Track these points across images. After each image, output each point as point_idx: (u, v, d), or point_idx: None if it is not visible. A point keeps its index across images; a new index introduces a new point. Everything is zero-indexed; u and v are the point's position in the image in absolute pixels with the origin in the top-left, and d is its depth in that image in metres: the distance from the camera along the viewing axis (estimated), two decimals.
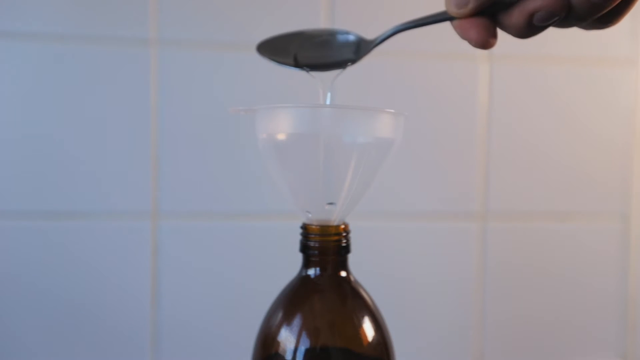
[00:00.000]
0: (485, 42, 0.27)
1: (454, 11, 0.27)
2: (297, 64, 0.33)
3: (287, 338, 0.33)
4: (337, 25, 0.53)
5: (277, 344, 0.33)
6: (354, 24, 0.54)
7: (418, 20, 0.29)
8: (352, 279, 0.35)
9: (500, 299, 0.57)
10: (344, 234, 0.34)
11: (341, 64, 0.32)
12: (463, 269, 0.56)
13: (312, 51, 0.33)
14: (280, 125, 0.32)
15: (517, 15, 0.26)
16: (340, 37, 0.32)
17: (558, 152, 0.57)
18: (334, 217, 0.34)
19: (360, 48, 0.32)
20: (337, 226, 0.34)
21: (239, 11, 0.52)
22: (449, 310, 0.56)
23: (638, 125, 0.57)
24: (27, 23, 0.51)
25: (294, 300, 0.34)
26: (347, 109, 0.32)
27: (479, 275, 0.56)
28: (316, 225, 0.34)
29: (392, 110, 0.32)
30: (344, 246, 0.34)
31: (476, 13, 0.27)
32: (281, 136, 0.32)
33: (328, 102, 0.35)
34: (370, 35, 0.32)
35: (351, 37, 0.32)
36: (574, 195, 0.57)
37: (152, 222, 0.53)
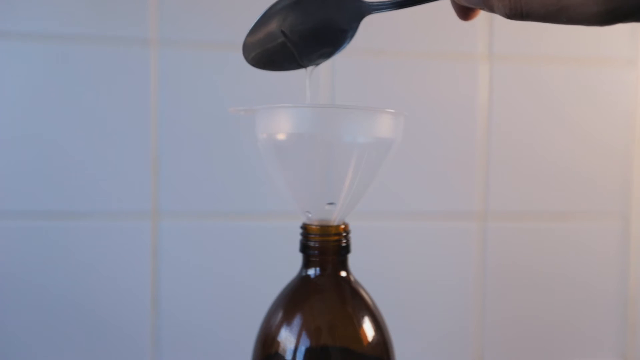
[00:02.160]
0: (465, 19, 0.28)
1: (462, 1, 0.26)
2: (299, 62, 0.31)
3: (287, 338, 0.33)
4: None
5: (277, 343, 0.33)
6: None
7: None
8: (352, 279, 0.35)
9: (500, 299, 0.57)
10: (344, 234, 0.34)
11: (337, 43, 0.30)
12: (463, 269, 0.56)
13: (305, 40, 0.30)
14: (280, 125, 0.32)
15: None
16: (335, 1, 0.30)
17: (558, 152, 0.57)
18: (334, 217, 0.34)
19: (348, 13, 0.30)
20: (337, 226, 0.34)
21: (239, 11, 0.52)
22: (449, 310, 0.56)
23: (638, 126, 0.57)
24: (27, 23, 0.51)
25: (294, 300, 0.34)
26: (347, 109, 0.32)
27: (478, 276, 0.56)
28: (316, 225, 0.34)
29: (392, 110, 0.32)
30: (344, 246, 0.34)
31: None
32: (281, 136, 0.32)
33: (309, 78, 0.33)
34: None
35: None
36: (574, 195, 0.57)
37: (152, 222, 0.53)
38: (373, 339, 0.34)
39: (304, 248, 0.34)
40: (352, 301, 0.35)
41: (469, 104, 0.55)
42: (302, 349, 0.32)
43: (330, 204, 0.33)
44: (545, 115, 0.56)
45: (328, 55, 0.31)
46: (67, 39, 0.51)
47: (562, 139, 0.57)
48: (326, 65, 0.53)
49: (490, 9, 0.25)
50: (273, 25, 0.31)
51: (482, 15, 0.53)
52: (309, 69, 0.33)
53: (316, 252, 0.34)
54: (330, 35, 0.31)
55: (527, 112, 0.56)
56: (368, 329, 0.34)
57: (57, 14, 0.51)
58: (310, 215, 0.34)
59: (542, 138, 0.56)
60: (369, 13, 0.30)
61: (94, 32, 0.51)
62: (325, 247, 0.34)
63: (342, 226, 0.34)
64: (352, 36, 0.31)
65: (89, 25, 0.51)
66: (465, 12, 0.28)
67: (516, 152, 0.56)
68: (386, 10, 0.29)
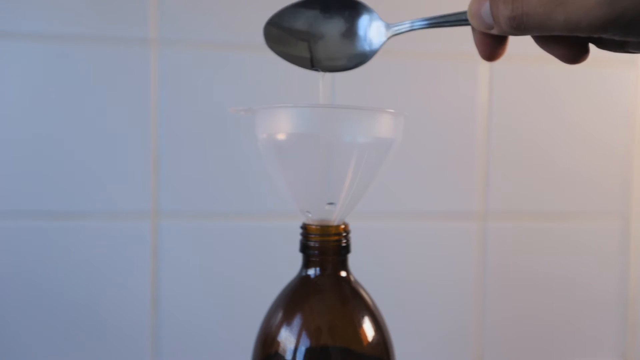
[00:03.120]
0: (491, 58, 0.28)
1: (475, 25, 0.27)
2: (312, 66, 0.32)
3: (287, 338, 0.33)
4: None
5: (277, 343, 0.33)
6: None
7: (438, 17, 0.28)
8: (352, 279, 0.35)
9: (500, 299, 0.57)
10: (344, 234, 0.34)
11: (356, 62, 0.31)
12: (463, 269, 0.56)
13: (325, 46, 0.31)
14: (280, 125, 0.32)
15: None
16: (362, 19, 0.30)
17: (558, 152, 0.57)
18: (334, 217, 0.34)
19: (372, 34, 0.30)
20: (337, 226, 0.34)
21: (239, 11, 0.52)
22: (449, 310, 0.56)
23: (638, 126, 0.57)
24: (27, 23, 0.51)
25: (294, 300, 0.34)
26: (347, 109, 0.32)
27: (478, 276, 0.56)
28: (316, 225, 0.34)
29: (392, 110, 0.32)
30: (344, 246, 0.34)
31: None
32: (281, 136, 0.32)
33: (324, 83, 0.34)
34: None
35: (375, 17, 0.30)
36: (574, 195, 0.57)
37: (152, 222, 0.53)
38: (373, 339, 0.34)
39: (304, 248, 0.34)
40: (352, 301, 0.35)
41: (469, 104, 0.55)
42: (302, 349, 0.32)
43: (330, 204, 0.33)
44: (545, 116, 0.56)
45: (343, 69, 0.32)
46: (67, 39, 0.51)
47: (562, 139, 0.57)
48: None
49: (498, 24, 0.25)
50: (300, 23, 0.31)
51: None
52: (321, 73, 0.33)
53: (316, 252, 0.34)
54: (351, 52, 0.31)
55: (527, 112, 0.56)
56: (368, 329, 0.34)
57: (57, 14, 0.51)
58: (310, 215, 0.34)
59: (542, 138, 0.56)
60: (392, 35, 0.30)
61: (94, 32, 0.51)
62: (325, 247, 0.34)
63: (342, 226, 0.34)
64: (371, 57, 0.31)
65: (89, 25, 0.51)
66: (490, 53, 0.28)
67: (516, 152, 0.56)
68: (406, 32, 0.30)
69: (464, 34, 0.57)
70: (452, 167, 0.56)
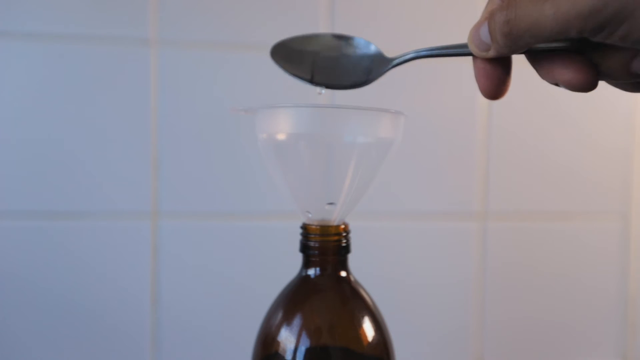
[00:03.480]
0: (492, 94, 0.27)
1: (473, 50, 0.27)
2: (313, 81, 0.32)
3: (287, 338, 0.33)
4: (337, 27, 0.53)
5: (277, 343, 0.33)
6: (353, 27, 0.54)
7: (440, 48, 0.29)
8: (352, 279, 0.35)
9: (500, 300, 0.57)
10: (344, 234, 0.34)
11: (355, 84, 0.32)
12: (463, 269, 0.56)
13: (328, 69, 0.32)
14: (280, 125, 0.32)
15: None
16: (359, 51, 0.32)
17: (558, 152, 0.57)
18: (334, 217, 0.34)
19: (376, 65, 0.32)
20: (337, 226, 0.34)
21: (239, 12, 0.53)
22: (449, 310, 0.56)
23: (638, 126, 0.57)
24: (27, 23, 0.51)
25: (294, 300, 0.34)
26: (347, 109, 0.32)
27: (479, 276, 0.56)
28: (316, 225, 0.34)
29: (392, 110, 0.32)
30: (344, 246, 0.34)
31: (497, 57, 0.26)
32: (281, 136, 0.32)
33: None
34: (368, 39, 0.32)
35: (372, 49, 0.32)
36: (574, 195, 0.57)
37: (152, 222, 0.53)
38: (373, 339, 0.34)
39: (304, 248, 0.34)
40: (352, 301, 0.35)
41: (469, 105, 0.55)
42: (302, 349, 0.32)
43: (330, 204, 0.34)
44: (545, 115, 0.56)
45: (340, 88, 0.32)
46: (67, 39, 0.51)
47: (562, 139, 0.57)
48: None
49: (495, 40, 0.25)
50: (307, 51, 0.32)
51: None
52: (318, 88, 0.33)
53: (316, 252, 0.34)
54: (351, 79, 0.32)
55: (527, 112, 0.56)
56: (368, 329, 0.34)
57: (57, 14, 0.51)
58: (310, 215, 0.34)
59: (542, 138, 0.56)
60: (393, 67, 0.31)
61: (94, 32, 0.51)
62: (325, 247, 0.34)
63: (342, 226, 0.34)
64: (369, 83, 0.32)
65: (89, 25, 0.51)
66: (493, 87, 0.28)
67: (516, 152, 0.56)
68: (407, 62, 0.31)
69: (464, 35, 0.57)
70: (452, 167, 0.56)
